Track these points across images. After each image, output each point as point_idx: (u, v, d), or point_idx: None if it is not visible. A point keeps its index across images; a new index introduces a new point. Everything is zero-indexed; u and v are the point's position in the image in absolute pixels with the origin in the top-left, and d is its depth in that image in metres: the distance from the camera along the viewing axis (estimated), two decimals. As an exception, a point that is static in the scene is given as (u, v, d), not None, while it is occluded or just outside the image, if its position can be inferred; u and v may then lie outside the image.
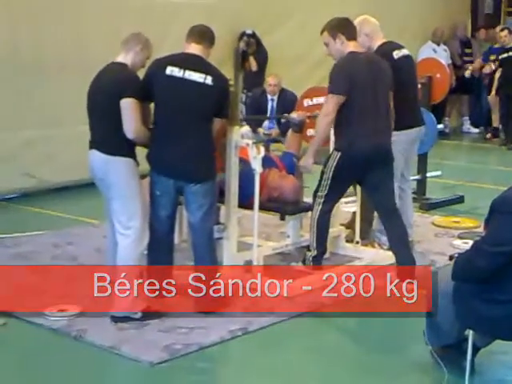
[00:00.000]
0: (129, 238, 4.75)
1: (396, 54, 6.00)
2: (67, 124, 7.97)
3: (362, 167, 5.42)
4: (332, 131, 5.62)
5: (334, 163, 5.38)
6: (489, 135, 12.50)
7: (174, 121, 4.81)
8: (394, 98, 5.62)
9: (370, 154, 5.37)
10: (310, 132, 6.11)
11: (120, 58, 4.87)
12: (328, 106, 5.37)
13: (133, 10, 8.83)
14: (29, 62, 7.97)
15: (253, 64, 10.30)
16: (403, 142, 6.03)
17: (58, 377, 4.20)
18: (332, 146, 5.72)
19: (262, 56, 10.45)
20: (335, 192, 5.52)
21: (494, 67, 12.07)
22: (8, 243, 6.43)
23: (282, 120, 8.06)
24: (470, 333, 3.95)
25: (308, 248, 5.63)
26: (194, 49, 4.90)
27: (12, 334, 4.71)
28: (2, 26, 7.82)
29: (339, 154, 5.37)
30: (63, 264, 5.88)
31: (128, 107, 4.68)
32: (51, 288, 5.32)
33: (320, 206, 5.50)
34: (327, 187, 5.45)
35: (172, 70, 4.80)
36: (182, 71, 4.79)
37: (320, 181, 5.50)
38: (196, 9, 9.50)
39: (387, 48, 5.97)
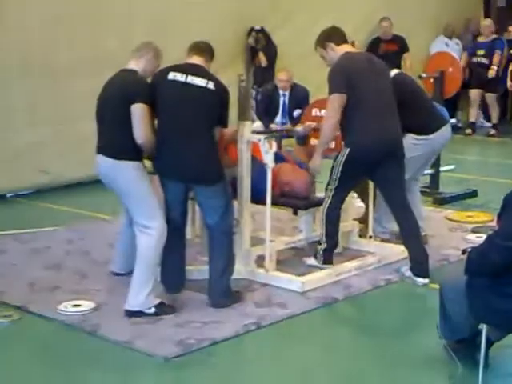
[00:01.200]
0: (148, 237, 4.78)
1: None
2: (80, 120, 7.99)
3: (371, 162, 5.43)
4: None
5: (343, 159, 5.40)
6: (469, 130, 12.46)
7: (177, 124, 4.82)
8: (407, 109, 5.70)
9: (378, 149, 5.38)
10: (313, 142, 6.10)
11: (131, 65, 4.94)
12: (331, 107, 5.41)
13: (145, 10, 8.87)
14: (42, 60, 8.02)
15: (262, 59, 10.28)
16: (427, 147, 6.08)
17: (72, 371, 4.22)
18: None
19: (271, 51, 10.43)
20: (344, 186, 5.53)
21: (495, 68, 11.98)
22: (22, 239, 6.47)
23: (295, 114, 8.05)
24: (483, 327, 3.95)
25: (319, 242, 5.64)
26: (196, 60, 4.96)
27: (26, 329, 4.74)
28: (13, 25, 7.85)
29: (348, 149, 5.39)
30: (77, 259, 5.91)
31: (139, 113, 4.73)
32: (65, 283, 5.36)
33: (329, 199, 5.52)
34: (337, 181, 5.47)
35: (175, 75, 4.86)
36: (184, 76, 4.84)
37: (330, 175, 5.52)
38: (206, 5, 9.52)
39: None
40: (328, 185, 5.53)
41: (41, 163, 8.07)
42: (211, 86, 4.82)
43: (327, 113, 5.48)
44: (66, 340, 4.60)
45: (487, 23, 12.32)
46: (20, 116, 7.94)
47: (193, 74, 4.83)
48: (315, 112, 6.28)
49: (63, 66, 8.18)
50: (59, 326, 4.72)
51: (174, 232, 4.88)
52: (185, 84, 4.82)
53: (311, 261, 5.69)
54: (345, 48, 5.55)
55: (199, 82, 4.82)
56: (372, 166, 5.45)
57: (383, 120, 5.44)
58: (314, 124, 6.06)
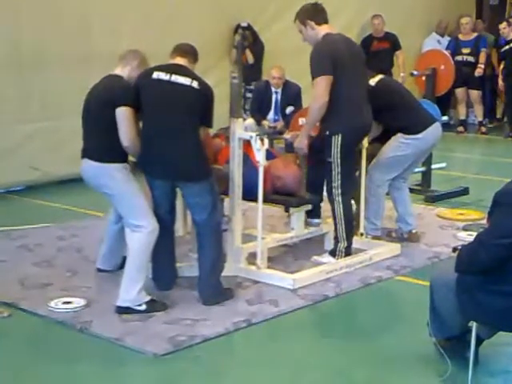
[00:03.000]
0: (139, 234, 4.79)
1: (372, 81, 6.04)
2: (70, 116, 7.97)
3: (356, 143, 5.62)
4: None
5: (338, 148, 5.43)
6: (460, 128, 12.48)
7: (163, 123, 4.83)
8: (394, 111, 5.90)
9: (363, 130, 5.58)
10: None
11: (116, 71, 5.00)
12: (319, 88, 5.39)
13: (135, 4, 8.85)
14: (31, 55, 8.01)
15: (249, 57, 10.25)
16: (416, 146, 6.08)
17: (63, 368, 4.21)
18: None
19: (258, 48, 10.40)
20: (347, 177, 5.56)
21: (482, 67, 12.00)
22: (13, 236, 6.45)
23: (287, 111, 8.06)
24: (473, 324, 3.96)
25: (336, 239, 5.66)
26: (179, 61, 4.97)
27: (17, 326, 4.73)
28: (3, 19, 7.84)
29: (339, 136, 5.41)
30: (68, 256, 5.90)
31: (124, 116, 4.78)
32: (56, 280, 5.36)
33: (340, 198, 5.54)
34: (339, 176, 5.48)
35: (159, 75, 4.87)
36: (168, 75, 4.86)
37: (330, 172, 5.51)
38: (194, 2, 9.51)
39: None
40: (331, 183, 5.54)
41: (31, 159, 8.05)
42: (195, 84, 4.83)
43: (315, 94, 5.42)
44: (57, 337, 4.59)
45: (466, 21, 12.31)
46: (10, 112, 7.91)
47: (176, 73, 4.84)
48: (301, 121, 6.31)
49: (53, 62, 8.15)
50: (50, 323, 4.71)
51: (162, 230, 4.88)
52: (169, 82, 4.83)
53: (327, 258, 5.68)
54: (325, 28, 5.54)
55: (183, 80, 4.83)
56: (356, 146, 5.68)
57: (361, 102, 5.55)
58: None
